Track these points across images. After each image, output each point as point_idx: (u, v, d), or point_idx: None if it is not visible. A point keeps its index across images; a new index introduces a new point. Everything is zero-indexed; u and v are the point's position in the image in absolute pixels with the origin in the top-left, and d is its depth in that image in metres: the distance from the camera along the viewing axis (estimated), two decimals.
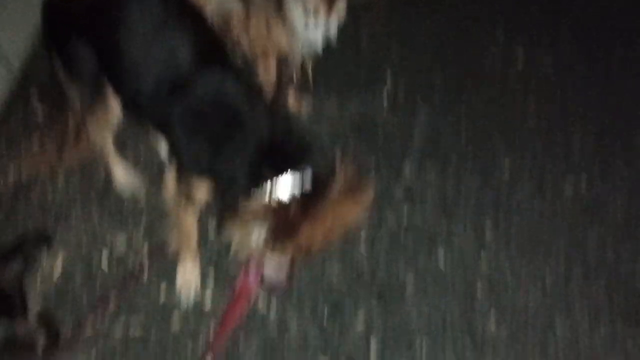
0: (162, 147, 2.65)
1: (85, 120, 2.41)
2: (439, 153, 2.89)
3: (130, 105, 2.25)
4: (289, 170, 1.92)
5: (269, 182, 1.91)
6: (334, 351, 2.30)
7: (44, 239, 2.39)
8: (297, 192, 1.90)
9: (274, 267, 2.08)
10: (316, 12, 2.41)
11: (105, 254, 2.48)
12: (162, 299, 2.38)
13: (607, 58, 3.39)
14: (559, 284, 2.52)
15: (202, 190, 2.15)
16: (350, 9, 2.52)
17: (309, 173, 1.94)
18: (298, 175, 1.92)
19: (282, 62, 2.92)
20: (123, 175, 2.67)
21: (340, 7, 2.43)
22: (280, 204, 1.88)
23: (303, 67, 2.82)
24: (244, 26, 2.91)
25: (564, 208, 2.74)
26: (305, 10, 2.42)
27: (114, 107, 2.35)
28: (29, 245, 2.28)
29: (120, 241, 2.52)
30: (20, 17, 3.00)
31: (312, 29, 2.48)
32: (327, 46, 2.53)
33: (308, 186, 1.91)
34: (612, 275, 2.55)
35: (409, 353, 2.31)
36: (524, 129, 3.01)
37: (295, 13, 2.48)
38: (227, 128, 1.98)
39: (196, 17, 2.17)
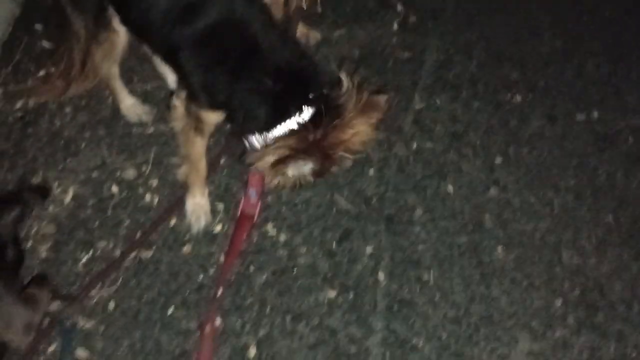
0: (170, 77, 2.63)
1: (90, 50, 2.38)
2: (450, 80, 2.84)
3: (139, 34, 2.21)
4: (308, 98, 1.92)
5: (290, 114, 1.91)
6: (343, 281, 2.33)
7: (43, 191, 2.39)
8: (317, 121, 1.90)
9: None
10: None
11: (115, 181, 2.50)
12: (173, 221, 2.41)
13: None
14: (567, 211, 2.51)
15: (211, 121, 2.15)
16: None
17: (322, 98, 1.93)
18: (314, 102, 1.91)
19: None
20: (129, 105, 2.66)
21: None
22: (306, 139, 1.88)
23: None
24: None
25: (575, 137, 2.71)
26: None
27: (119, 37, 2.31)
28: (28, 195, 2.29)
29: (129, 169, 2.53)
30: None
31: None
32: None
33: (325, 112, 1.90)
34: (620, 202, 2.54)
35: (417, 283, 2.34)
36: (537, 56, 2.95)
37: None
38: (242, 56, 1.93)
39: None
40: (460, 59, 2.93)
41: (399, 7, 3.10)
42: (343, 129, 1.91)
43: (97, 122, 2.65)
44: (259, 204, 2.41)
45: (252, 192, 2.39)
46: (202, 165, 2.35)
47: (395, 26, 3.03)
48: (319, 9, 3.04)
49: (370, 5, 3.11)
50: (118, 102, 2.65)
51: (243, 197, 2.41)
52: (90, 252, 2.34)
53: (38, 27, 2.89)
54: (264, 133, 1.95)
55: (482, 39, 3.01)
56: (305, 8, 2.76)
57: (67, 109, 2.67)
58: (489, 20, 3.08)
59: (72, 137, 2.60)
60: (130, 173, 2.52)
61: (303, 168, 1.93)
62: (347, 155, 1.99)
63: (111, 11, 2.21)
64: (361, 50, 2.94)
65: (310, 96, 1.92)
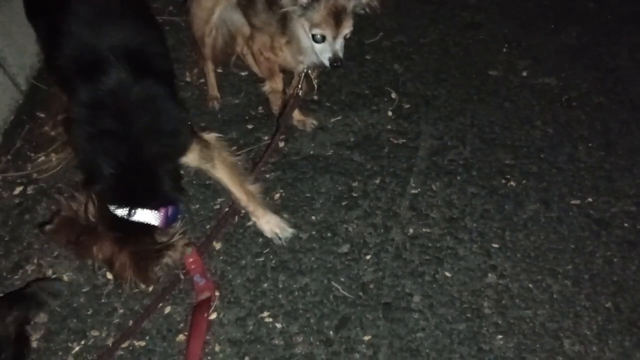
0: None
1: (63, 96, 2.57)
2: (444, 165, 2.89)
3: (55, 79, 2.49)
4: (133, 203, 2.12)
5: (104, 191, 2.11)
6: None
7: (56, 289, 2.37)
8: (111, 222, 2.09)
9: None
10: (323, 33, 2.44)
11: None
12: (167, 309, 2.37)
13: (613, 63, 3.40)
14: (566, 298, 2.49)
15: None
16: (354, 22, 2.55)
17: (143, 215, 2.14)
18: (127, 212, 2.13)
19: (288, 78, 2.95)
20: None
21: (346, 27, 2.45)
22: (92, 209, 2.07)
23: (309, 82, 2.83)
24: (248, 44, 2.95)
25: (571, 221, 2.72)
26: (312, 32, 2.46)
27: None
28: (40, 293, 2.26)
29: None
30: (26, 39, 3.03)
31: (319, 50, 2.51)
32: (336, 65, 2.54)
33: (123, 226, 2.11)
34: (619, 287, 2.51)
35: None
36: (529, 141, 3.01)
37: (302, 34, 2.51)
38: (109, 136, 2.12)
39: (142, 19, 2.36)
40: (454, 144, 2.98)
41: (393, 95, 3.19)
42: (116, 252, 2.07)
43: None
44: (209, 281, 2.42)
45: (197, 278, 2.40)
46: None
47: (390, 113, 3.11)
48: (316, 97, 3.13)
49: (365, 92, 3.19)
50: None
51: (194, 288, 2.42)
52: (83, 342, 2.29)
53: (40, 114, 2.95)
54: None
55: (474, 125, 3.08)
56: (302, 95, 2.84)
57: (66, 195, 2.68)
58: (480, 106, 3.16)
59: None
60: None
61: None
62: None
63: None
64: (357, 136, 3.00)
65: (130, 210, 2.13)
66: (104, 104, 2.11)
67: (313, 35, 2.46)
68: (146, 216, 2.14)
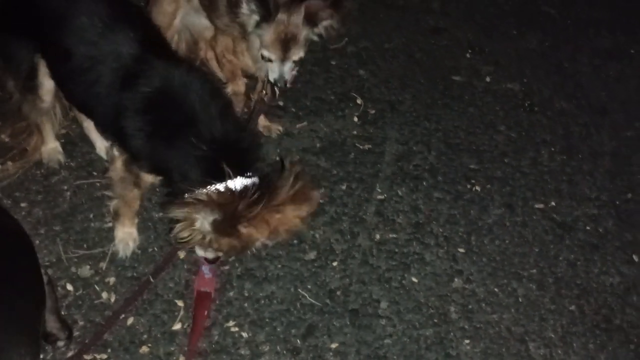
0: (99, 143, 2.74)
1: (21, 105, 2.55)
2: (410, 170, 2.90)
3: (84, 106, 2.35)
4: (240, 170, 1.99)
5: (220, 178, 1.97)
6: None
7: None
8: (245, 192, 1.95)
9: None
10: (269, 56, 2.44)
11: (69, 279, 2.40)
12: (130, 321, 2.31)
13: (574, 68, 3.47)
14: (531, 301, 2.51)
15: (149, 180, 2.28)
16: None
17: (258, 176, 2.02)
18: (248, 176, 2.00)
19: (251, 83, 2.92)
20: (51, 148, 2.73)
21: (295, 54, 2.44)
22: (228, 198, 1.93)
23: (272, 88, 2.81)
24: (212, 45, 2.92)
25: (535, 225, 2.75)
26: (260, 51, 2.46)
27: (44, 94, 2.48)
28: None
29: (85, 266, 2.45)
30: None
31: (268, 68, 2.50)
32: (280, 86, 2.55)
33: (257, 188, 1.97)
34: (582, 290, 2.55)
35: None
36: (493, 146, 3.05)
37: (256, 45, 2.50)
38: (179, 125, 2.04)
39: (140, 15, 2.31)
40: (419, 149, 3.00)
41: (359, 100, 3.19)
42: (270, 212, 1.93)
43: (54, 217, 2.58)
44: (214, 279, 2.37)
45: (205, 269, 2.36)
46: (136, 204, 2.42)
47: (356, 118, 3.11)
48: (281, 103, 3.10)
49: (331, 98, 3.19)
50: (42, 145, 2.71)
51: (197, 276, 2.37)
52: (42, 356, 2.21)
53: None
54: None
55: (439, 130, 3.10)
56: (266, 100, 2.80)
57: (23, 204, 2.60)
58: (445, 111, 3.19)
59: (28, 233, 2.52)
60: (86, 270, 2.44)
61: (208, 219, 1.93)
62: (266, 241, 2.03)
63: (38, 81, 2.40)
64: (322, 142, 2.99)
65: (249, 170, 2.01)
66: (158, 104, 2.06)
67: (262, 55, 2.45)
68: (252, 179, 2.05)
